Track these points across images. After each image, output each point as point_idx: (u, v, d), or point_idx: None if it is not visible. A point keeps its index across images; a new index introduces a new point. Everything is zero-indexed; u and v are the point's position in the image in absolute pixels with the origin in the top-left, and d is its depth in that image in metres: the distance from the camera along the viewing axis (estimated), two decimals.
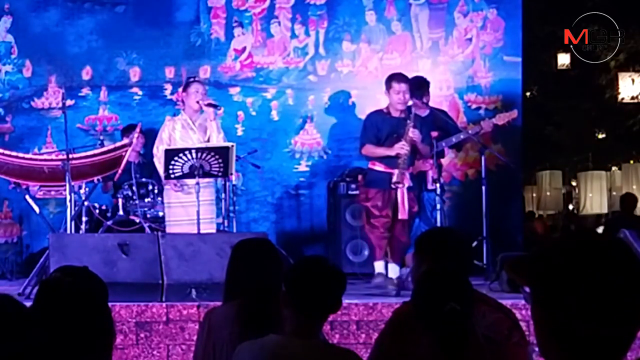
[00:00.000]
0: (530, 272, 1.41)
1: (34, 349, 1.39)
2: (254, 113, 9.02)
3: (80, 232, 7.05)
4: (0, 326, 1.43)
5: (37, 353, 1.40)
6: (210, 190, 7.20)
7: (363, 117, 8.89)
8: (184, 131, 7.22)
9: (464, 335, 2.54)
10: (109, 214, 7.64)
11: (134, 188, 7.49)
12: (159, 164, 7.12)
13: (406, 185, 6.77)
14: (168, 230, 7.07)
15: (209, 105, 7.18)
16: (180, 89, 8.97)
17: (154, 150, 7.33)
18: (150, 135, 8.35)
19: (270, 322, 3.08)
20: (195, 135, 7.20)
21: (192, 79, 7.62)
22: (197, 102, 7.16)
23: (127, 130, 7.99)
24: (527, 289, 1.44)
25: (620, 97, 13.94)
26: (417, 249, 3.35)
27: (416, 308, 2.72)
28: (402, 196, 6.77)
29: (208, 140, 7.13)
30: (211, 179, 7.16)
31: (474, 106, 8.95)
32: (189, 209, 6.95)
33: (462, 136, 7.40)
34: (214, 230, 7.12)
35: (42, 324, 1.99)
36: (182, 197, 7.11)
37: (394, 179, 6.76)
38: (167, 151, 6.87)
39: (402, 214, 6.79)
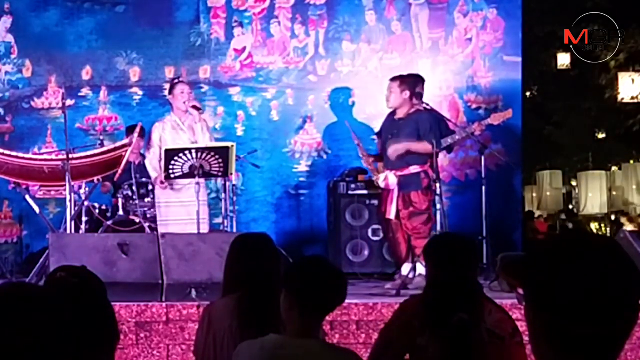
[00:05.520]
0: (523, 274, 1.42)
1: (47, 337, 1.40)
2: (254, 113, 9.03)
3: (80, 232, 7.05)
4: (15, 313, 1.45)
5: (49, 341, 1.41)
6: (202, 191, 7.06)
7: (363, 117, 8.93)
8: (174, 132, 7.19)
9: (470, 346, 2.53)
10: (109, 214, 7.64)
11: (134, 188, 7.49)
12: (150, 165, 7.17)
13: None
14: (160, 229, 7.04)
15: (193, 107, 7.19)
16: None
17: (145, 153, 7.34)
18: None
19: (270, 314, 3.09)
20: (186, 135, 7.16)
21: (176, 80, 7.61)
22: (184, 103, 7.16)
23: (131, 130, 7.98)
24: (521, 291, 1.44)
25: (620, 97, 13.90)
26: (426, 256, 3.45)
27: (424, 318, 2.72)
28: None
29: (196, 142, 7.10)
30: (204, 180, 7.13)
31: (474, 106, 8.95)
32: (180, 209, 6.97)
33: (457, 137, 7.16)
34: (206, 231, 7.03)
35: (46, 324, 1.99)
36: (172, 196, 7.10)
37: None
38: (167, 151, 6.86)
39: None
